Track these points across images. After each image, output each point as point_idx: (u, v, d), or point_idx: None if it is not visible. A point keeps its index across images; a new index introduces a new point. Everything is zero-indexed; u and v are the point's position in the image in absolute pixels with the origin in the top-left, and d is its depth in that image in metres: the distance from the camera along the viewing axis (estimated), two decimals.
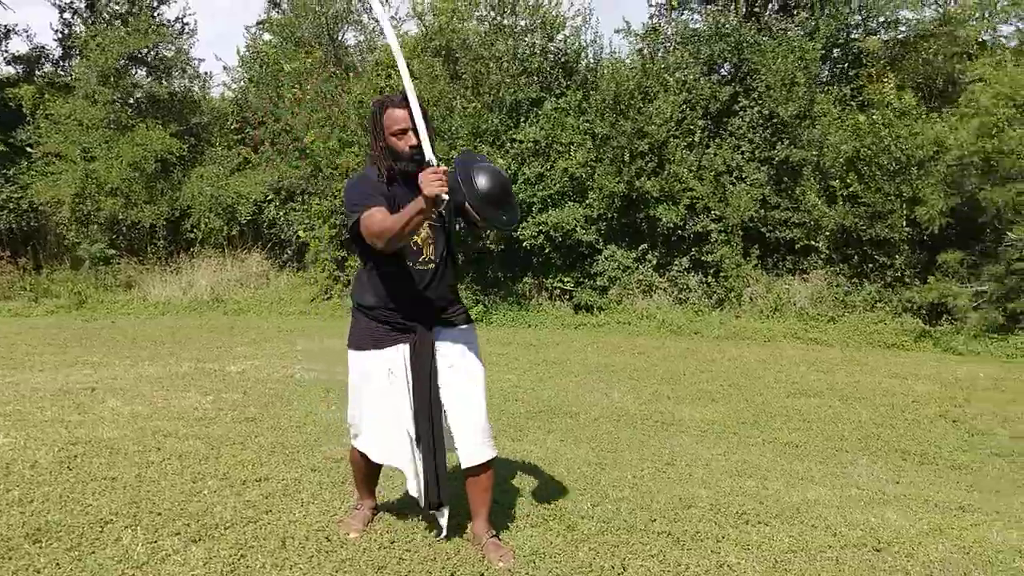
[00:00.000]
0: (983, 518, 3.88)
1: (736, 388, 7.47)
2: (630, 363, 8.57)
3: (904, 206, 10.08)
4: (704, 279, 11.48)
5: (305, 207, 13.56)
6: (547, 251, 11.43)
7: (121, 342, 9.49)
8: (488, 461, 3.18)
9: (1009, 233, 9.31)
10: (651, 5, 13.74)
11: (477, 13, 12.79)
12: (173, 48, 16.57)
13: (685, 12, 13.22)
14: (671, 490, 4.15)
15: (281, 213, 14.19)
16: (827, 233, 10.82)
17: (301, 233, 13.66)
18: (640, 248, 11.57)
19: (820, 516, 3.75)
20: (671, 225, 11.27)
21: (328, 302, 12.67)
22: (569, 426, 5.89)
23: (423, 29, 12.72)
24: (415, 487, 3.21)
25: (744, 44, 12.01)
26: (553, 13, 12.31)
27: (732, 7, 12.30)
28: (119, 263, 14.02)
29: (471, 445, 3.14)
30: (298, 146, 13.49)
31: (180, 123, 15.69)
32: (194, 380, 7.04)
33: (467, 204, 3.03)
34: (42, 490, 3.91)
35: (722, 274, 11.30)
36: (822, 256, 10.94)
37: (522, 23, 12.36)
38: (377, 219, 2.96)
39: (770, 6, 12.76)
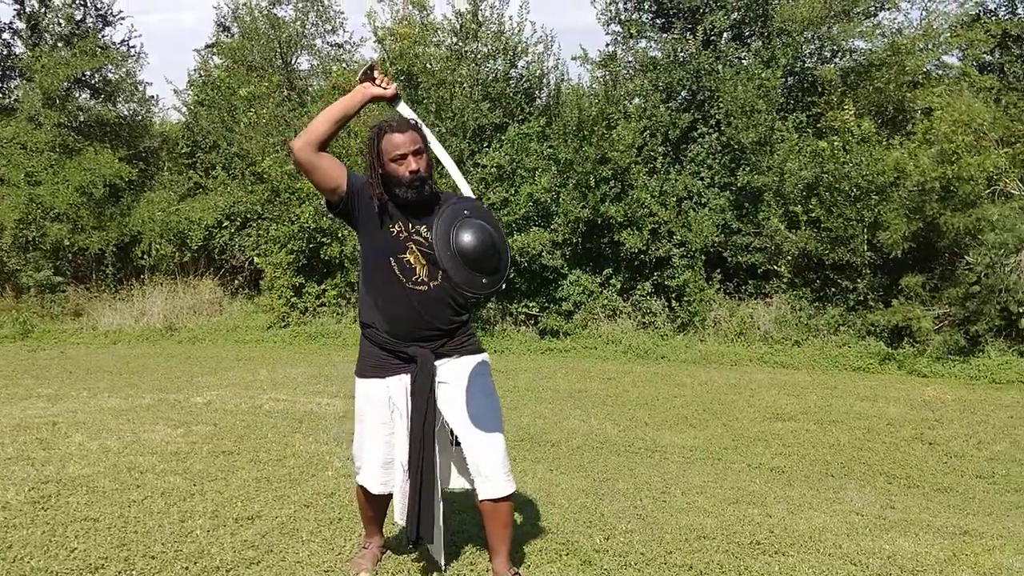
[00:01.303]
0: (992, 543, 3.88)
1: (711, 413, 7.47)
2: (602, 389, 8.52)
3: (865, 231, 10.26)
4: (667, 304, 11.51)
5: (260, 232, 13.28)
6: (512, 276, 11.37)
7: (75, 373, 9.11)
8: (508, 496, 3.06)
9: (967, 257, 9.54)
10: (607, 33, 13.86)
11: (435, 39, 12.75)
12: (121, 71, 16.14)
13: (642, 40, 13.35)
14: (677, 520, 4.08)
15: (236, 239, 13.88)
16: (789, 258, 10.96)
17: (256, 259, 13.37)
18: (604, 273, 11.58)
19: (834, 544, 3.71)
20: (634, 250, 11.30)
21: (285, 330, 12.38)
22: (554, 454, 5.80)
23: (384, 53, 12.63)
24: (400, 515, 3.14)
25: (702, 72, 12.17)
26: (515, 40, 12.33)
27: (689, 36, 12.45)
28: (65, 291, 13.54)
29: (491, 479, 3.02)
30: (254, 170, 13.23)
31: (129, 147, 15.27)
32: (160, 412, 6.76)
33: (439, 264, 2.83)
34: (19, 534, 3.67)
35: (685, 298, 11.35)
36: (784, 280, 11.07)
37: (484, 49, 12.35)
38: None
39: (724, 35, 12.96)
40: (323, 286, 12.69)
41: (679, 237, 11.42)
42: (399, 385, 3.07)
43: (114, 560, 3.36)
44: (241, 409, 7.00)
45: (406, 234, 3.02)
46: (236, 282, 14.47)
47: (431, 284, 3.03)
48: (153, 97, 16.88)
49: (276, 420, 6.56)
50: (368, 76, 3.10)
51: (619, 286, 11.58)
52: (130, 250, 14.13)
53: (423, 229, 3.01)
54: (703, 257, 11.44)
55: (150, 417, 6.54)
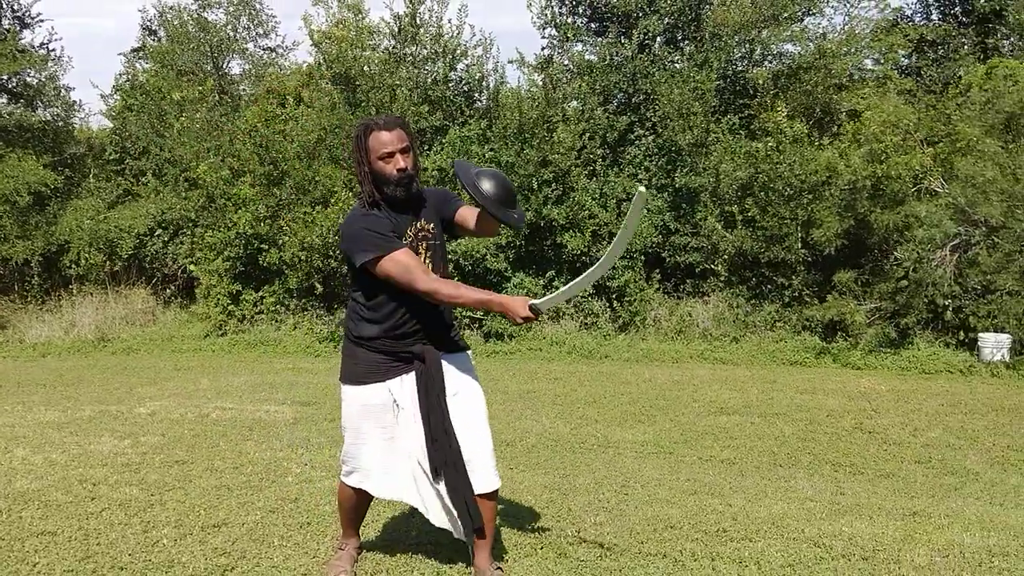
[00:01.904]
0: (941, 522, 4.06)
1: (658, 409, 7.61)
2: (550, 389, 8.59)
3: (799, 229, 10.58)
4: (609, 304, 11.67)
5: (195, 239, 13.00)
6: (456, 279, 11.36)
7: (5, 387, 8.79)
8: (495, 490, 3.10)
9: (895, 253, 9.92)
10: (543, 37, 13.99)
11: (372, 42, 12.69)
12: (43, 75, 15.62)
13: (578, 44, 13.51)
14: (643, 512, 4.16)
15: (170, 247, 13.57)
16: (725, 257, 11.22)
17: (191, 267, 13.09)
18: (547, 275, 11.67)
19: (796, 529, 3.83)
20: (577, 252, 11.42)
21: (223, 338, 12.14)
22: (512, 454, 5.84)
23: (320, 56, 12.51)
24: (438, 519, 3.12)
25: (638, 75, 12.38)
26: (454, 43, 12.34)
27: (624, 40, 12.64)
28: None
29: (481, 473, 3.06)
30: (188, 176, 12.96)
31: (54, 154, 14.79)
32: (103, 424, 6.58)
33: (487, 211, 2.99)
34: None
35: (626, 299, 11.51)
36: (721, 279, 11.33)
37: (423, 52, 12.34)
38: (405, 263, 2.94)
39: (658, 39, 13.20)
40: (261, 293, 12.50)
41: None
42: (403, 386, 3.07)
43: (81, 572, 3.28)
44: (188, 419, 6.86)
45: (413, 235, 3.07)
46: (168, 291, 14.14)
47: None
48: (77, 102, 16.34)
49: (225, 428, 6.45)
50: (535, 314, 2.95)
51: (561, 288, 11.68)
52: (57, 260, 13.68)
53: (424, 222, 3.09)
54: (643, 258, 11.63)
55: (94, 429, 6.36)
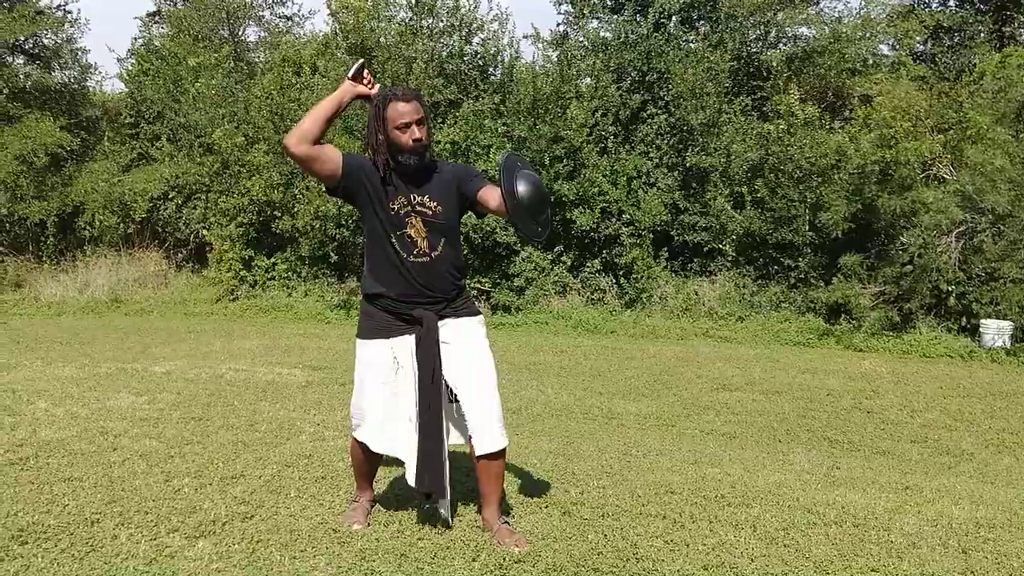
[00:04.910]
0: (932, 496, 4.21)
1: (661, 384, 7.75)
2: (555, 361, 8.74)
3: (807, 211, 10.68)
4: (616, 280, 11.80)
5: (208, 204, 13.15)
6: (465, 252, 11.52)
7: (23, 343, 8.99)
8: (502, 449, 3.25)
9: (901, 238, 10.02)
10: (559, 12, 14.05)
11: (388, 13, 12.74)
12: (60, 36, 15.70)
13: (593, 20, 13.56)
14: (645, 477, 4.31)
15: (184, 211, 13.72)
16: (733, 237, 11.33)
17: (204, 232, 13.25)
18: (555, 250, 11.80)
19: (792, 498, 3.98)
20: (585, 228, 11.54)
21: (235, 303, 12.33)
22: (518, 421, 5.98)
23: (337, 26, 12.58)
24: (412, 476, 3.26)
25: (652, 54, 12.42)
26: (471, 17, 12.40)
27: (640, 18, 12.68)
28: (3, 260, 13.24)
29: (486, 433, 3.19)
30: (204, 142, 13.08)
31: (70, 116, 14.92)
32: (120, 381, 6.76)
33: (508, 213, 3.06)
34: (8, 492, 3.72)
35: (633, 276, 11.64)
36: (729, 259, 11.45)
37: (440, 25, 12.40)
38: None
39: (673, 18, 13.22)
40: (273, 259, 12.66)
41: (628, 216, 11.69)
42: (403, 345, 3.21)
43: (108, 515, 3.44)
44: (202, 378, 7.04)
45: (408, 207, 3.15)
46: (180, 255, 14.32)
47: (432, 255, 3.18)
48: (93, 65, 16.43)
49: (239, 389, 6.62)
50: (358, 74, 3.24)
51: (569, 263, 11.83)
52: (72, 221, 13.88)
53: (427, 199, 3.17)
54: (651, 236, 11.74)
55: (112, 385, 6.55)
